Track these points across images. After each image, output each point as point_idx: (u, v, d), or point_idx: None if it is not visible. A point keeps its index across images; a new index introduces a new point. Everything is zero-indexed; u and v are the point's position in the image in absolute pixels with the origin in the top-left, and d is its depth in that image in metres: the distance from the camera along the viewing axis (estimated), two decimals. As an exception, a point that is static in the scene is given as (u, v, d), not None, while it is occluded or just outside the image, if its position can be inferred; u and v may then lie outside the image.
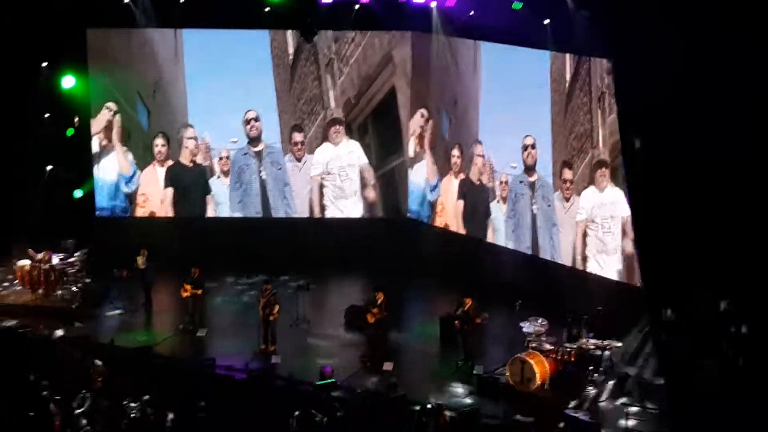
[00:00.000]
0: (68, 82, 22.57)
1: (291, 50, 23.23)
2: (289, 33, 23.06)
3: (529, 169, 21.18)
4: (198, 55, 23.16)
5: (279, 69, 23.28)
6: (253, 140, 23.60)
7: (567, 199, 20.26)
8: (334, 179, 23.77)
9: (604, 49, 17.94)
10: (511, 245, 21.76)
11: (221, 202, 23.80)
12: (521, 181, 21.41)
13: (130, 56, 23.01)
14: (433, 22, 21.91)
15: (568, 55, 19.77)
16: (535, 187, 21.15)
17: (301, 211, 23.85)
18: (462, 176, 22.60)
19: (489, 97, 21.72)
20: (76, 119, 22.97)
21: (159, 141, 23.36)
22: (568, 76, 19.95)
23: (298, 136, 23.57)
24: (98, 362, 16.44)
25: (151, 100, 23.26)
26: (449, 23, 21.61)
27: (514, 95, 21.04)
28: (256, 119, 23.51)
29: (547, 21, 19.05)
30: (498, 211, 21.96)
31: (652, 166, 12.79)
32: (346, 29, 22.89)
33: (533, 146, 21.03)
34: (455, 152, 22.67)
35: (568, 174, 20.14)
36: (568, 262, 20.44)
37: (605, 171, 19.26)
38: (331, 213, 23.86)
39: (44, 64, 22.32)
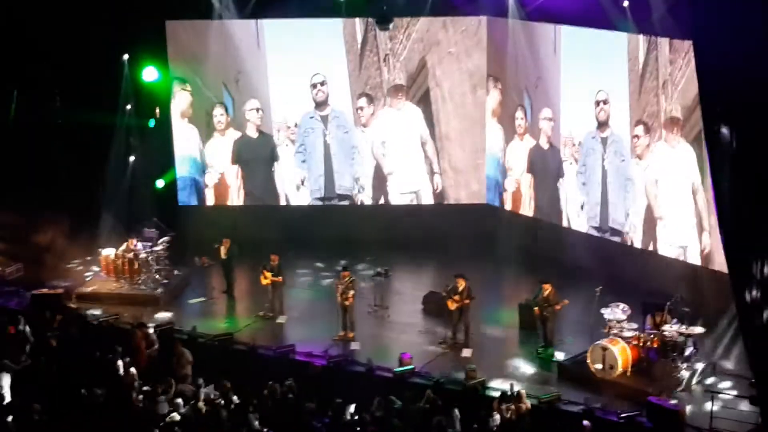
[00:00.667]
0: (149, 74, 22.91)
1: (359, 39, 23.41)
2: (357, 23, 23.20)
3: (602, 125, 21.17)
4: (278, 43, 23.35)
5: (350, 55, 23.50)
6: (320, 104, 23.89)
7: (640, 157, 20.30)
8: (396, 144, 23.96)
9: (684, 29, 17.67)
10: (580, 210, 21.81)
11: (287, 168, 24.07)
12: (593, 137, 21.38)
13: (212, 46, 23.19)
14: (509, 7, 21.76)
15: (641, 37, 19.63)
16: (606, 143, 21.12)
17: (366, 174, 24.07)
18: (530, 142, 22.70)
19: (568, 77, 21.61)
20: (157, 110, 23.29)
21: (218, 111, 23.66)
22: (641, 58, 19.88)
23: (364, 101, 23.76)
24: (185, 350, 16.69)
25: (235, 88, 23.54)
26: (525, 7, 21.44)
27: (593, 76, 21.06)
28: (323, 83, 23.78)
29: (626, 3, 18.81)
30: (568, 171, 22.08)
31: (737, 148, 12.48)
32: (422, 16, 22.84)
33: (605, 101, 20.99)
34: (519, 114, 22.83)
35: (640, 131, 20.24)
36: (638, 226, 20.47)
37: (678, 130, 19.40)
38: (394, 180, 24.07)
39: (125, 56, 22.72)
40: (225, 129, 23.81)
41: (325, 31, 23.34)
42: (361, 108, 23.83)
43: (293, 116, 23.90)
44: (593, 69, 21.07)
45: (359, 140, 23.98)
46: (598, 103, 21.12)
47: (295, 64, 23.31)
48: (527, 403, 14.89)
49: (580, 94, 21.45)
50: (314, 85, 23.77)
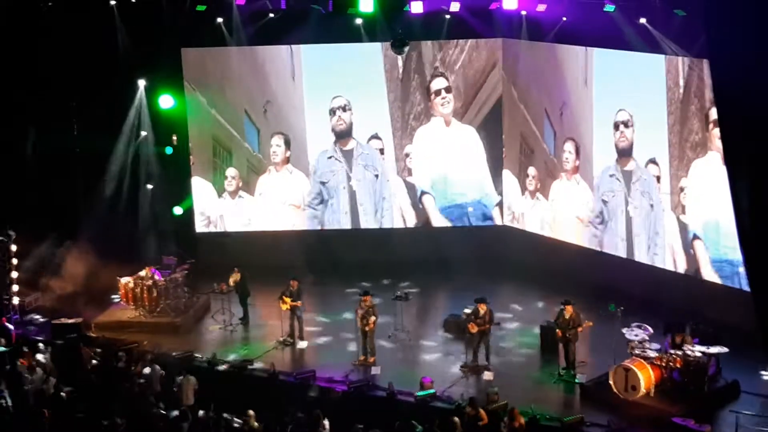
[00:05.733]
0: (166, 101, 22.98)
1: (400, 64, 22.99)
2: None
3: (623, 155, 20.30)
4: (313, 72, 23.00)
5: (390, 84, 23.10)
6: (341, 136, 23.33)
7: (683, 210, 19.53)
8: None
9: (700, 48, 17.64)
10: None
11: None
12: (611, 175, 20.71)
13: (233, 74, 23.16)
14: (523, 29, 21.78)
15: (680, 60, 19.04)
16: (630, 179, 20.35)
17: (397, 205, 23.45)
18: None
19: (587, 100, 21.36)
20: (174, 137, 23.33)
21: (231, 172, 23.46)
22: (682, 82, 19.15)
23: (410, 147, 23.23)
24: (191, 377, 16.65)
25: (262, 118, 23.30)
26: (540, 29, 21.42)
27: (622, 98, 20.51)
28: (344, 108, 22.86)
29: (643, 20, 18.77)
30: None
31: (757, 167, 12.38)
32: (437, 39, 22.85)
33: (627, 124, 20.00)
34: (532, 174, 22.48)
35: (685, 182, 19.33)
36: (665, 249, 20.01)
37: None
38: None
39: (142, 83, 22.83)
40: (236, 191, 23.54)
41: (363, 56, 22.95)
42: (408, 155, 23.26)
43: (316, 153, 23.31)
44: (622, 93, 20.26)
45: (393, 187, 23.26)
46: (617, 126, 20.01)
47: (333, 93, 22.99)
48: (521, 420, 14.85)
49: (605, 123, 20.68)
50: (333, 111, 23.07)
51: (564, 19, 20.48)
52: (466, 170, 23.35)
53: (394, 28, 21.48)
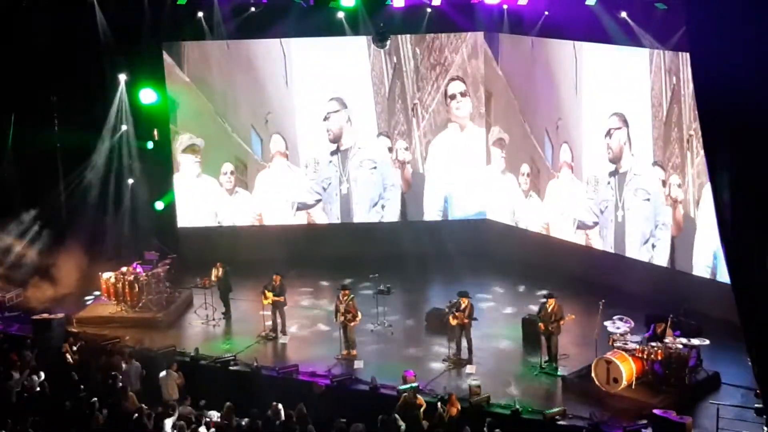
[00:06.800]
0: (147, 95, 22.85)
1: (387, 83, 23.20)
2: (385, 64, 23.06)
3: (614, 162, 20.68)
4: (305, 74, 23.09)
5: (378, 97, 23.31)
6: (334, 141, 23.51)
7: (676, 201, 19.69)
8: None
9: (681, 42, 17.72)
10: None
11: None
12: (608, 183, 20.86)
13: (231, 79, 23.20)
14: (505, 23, 21.79)
15: (665, 78, 19.21)
16: (624, 181, 20.46)
17: (391, 198, 23.74)
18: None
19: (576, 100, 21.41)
20: (156, 132, 23.23)
21: (227, 167, 23.57)
22: (665, 105, 19.37)
23: (403, 143, 23.51)
24: (173, 372, 16.63)
25: (264, 127, 23.36)
26: (522, 24, 21.44)
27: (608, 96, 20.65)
28: (336, 111, 23.09)
29: (624, 13, 18.83)
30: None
31: (740, 169, 12.42)
32: (419, 33, 22.85)
33: (610, 133, 20.29)
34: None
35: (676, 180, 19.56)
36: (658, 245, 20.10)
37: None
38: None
39: (123, 78, 22.71)
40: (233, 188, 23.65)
41: (353, 59, 23.10)
42: (403, 149, 23.55)
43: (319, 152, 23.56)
44: (611, 96, 20.49)
45: (394, 177, 23.57)
46: (609, 133, 20.42)
47: (322, 95, 23.18)
48: (458, 405, 15.03)
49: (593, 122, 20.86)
50: (326, 117, 23.32)
51: (546, 13, 20.51)
52: (478, 174, 23.59)
53: (376, 22, 21.46)
